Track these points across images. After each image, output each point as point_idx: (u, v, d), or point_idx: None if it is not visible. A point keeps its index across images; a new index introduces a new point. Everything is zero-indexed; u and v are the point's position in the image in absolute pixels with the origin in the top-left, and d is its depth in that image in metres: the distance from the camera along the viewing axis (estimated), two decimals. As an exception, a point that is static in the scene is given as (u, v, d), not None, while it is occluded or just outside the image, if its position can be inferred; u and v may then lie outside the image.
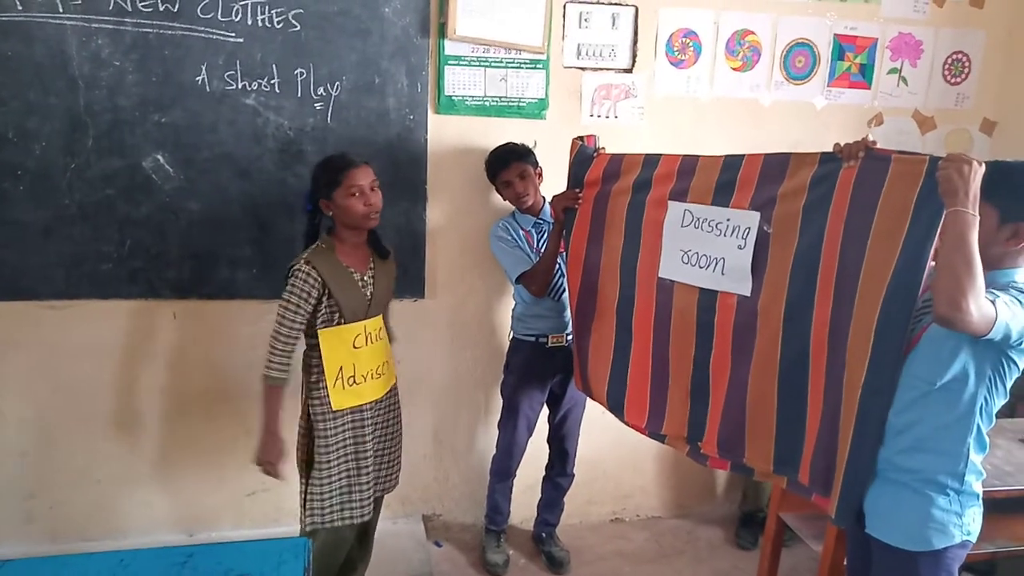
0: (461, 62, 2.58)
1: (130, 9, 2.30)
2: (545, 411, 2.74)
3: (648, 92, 2.74)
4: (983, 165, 1.37)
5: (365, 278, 2.09)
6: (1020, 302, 1.42)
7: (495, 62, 2.60)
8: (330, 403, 2.04)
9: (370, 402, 2.12)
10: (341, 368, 2.04)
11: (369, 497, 2.13)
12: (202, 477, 2.75)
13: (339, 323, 2.03)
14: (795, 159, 1.77)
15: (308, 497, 2.06)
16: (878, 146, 1.58)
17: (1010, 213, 1.46)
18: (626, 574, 2.79)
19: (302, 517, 2.09)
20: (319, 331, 2.02)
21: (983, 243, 1.45)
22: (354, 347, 2.06)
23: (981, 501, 1.57)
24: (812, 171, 1.71)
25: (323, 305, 2.00)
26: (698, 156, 2.01)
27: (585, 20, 2.64)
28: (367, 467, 2.11)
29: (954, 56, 2.93)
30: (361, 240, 2.11)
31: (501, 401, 2.74)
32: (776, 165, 1.80)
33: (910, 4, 2.84)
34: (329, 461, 2.05)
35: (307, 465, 2.08)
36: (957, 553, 1.56)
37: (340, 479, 2.08)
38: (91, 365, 2.58)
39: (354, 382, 2.07)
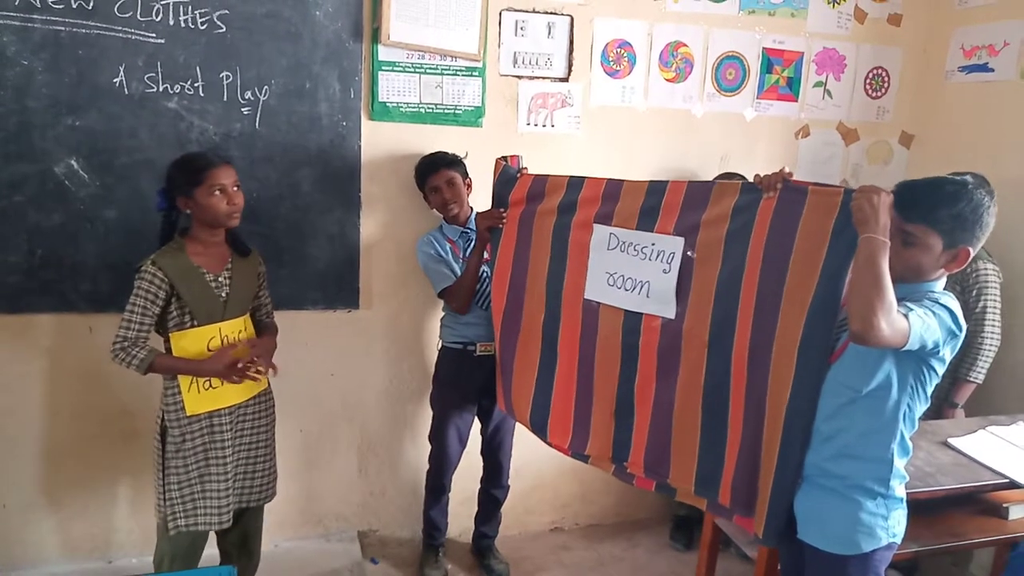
0: (395, 68, 2.53)
1: (39, 5, 2.16)
2: (478, 423, 2.71)
3: (584, 101, 2.75)
4: (891, 195, 1.45)
5: (220, 279, 2.03)
6: (934, 312, 1.47)
7: (430, 68, 2.57)
8: (184, 407, 1.99)
9: (229, 407, 2.06)
10: None
11: (227, 505, 2.07)
12: (120, 500, 2.62)
13: (191, 325, 1.98)
14: (717, 188, 1.83)
15: (165, 500, 2.02)
16: (795, 175, 1.66)
17: (952, 239, 1.51)
18: (566, 584, 2.79)
19: (162, 520, 2.05)
20: (170, 334, 1.98)
21: (927, 268, 1.53)
22: (208, 350, 2.01)
23: (905, 504, 1.62)
24: (734, 200, 1.77)
25: (172, 307, 1.96)
26: (623, 181, 2.04)
27: (521, 28, 2.63)
28: (222, 474, 2.06)
29: (874, 71, 3.05)
30: (218, 239, 2.06)
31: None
32: (699, 193, 1.86)
33: (833, 20, 2.95)
34: (182, 466, 2.02)
35: (163, 467, 2.04)
36: (884, 555, 1.60)
37: (192, 484, 2.03)
38: (-3, 383, 2.41)
39: (210, 386, 2.02)
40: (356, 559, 2.75)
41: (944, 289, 1.58)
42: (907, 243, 1.52)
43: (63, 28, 2.20)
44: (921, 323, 1.42)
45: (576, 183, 2.13)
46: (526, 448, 2.80)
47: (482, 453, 2.75)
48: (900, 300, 1.41)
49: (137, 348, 1.93)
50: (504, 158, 2.32)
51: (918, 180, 1.57)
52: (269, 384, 2.21)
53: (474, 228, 2.50)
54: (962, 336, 1.51)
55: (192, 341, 1.99)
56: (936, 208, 1.49)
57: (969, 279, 2.50)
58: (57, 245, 2.33)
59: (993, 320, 2.50)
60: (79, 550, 2.61)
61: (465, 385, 2.59)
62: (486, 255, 2.40)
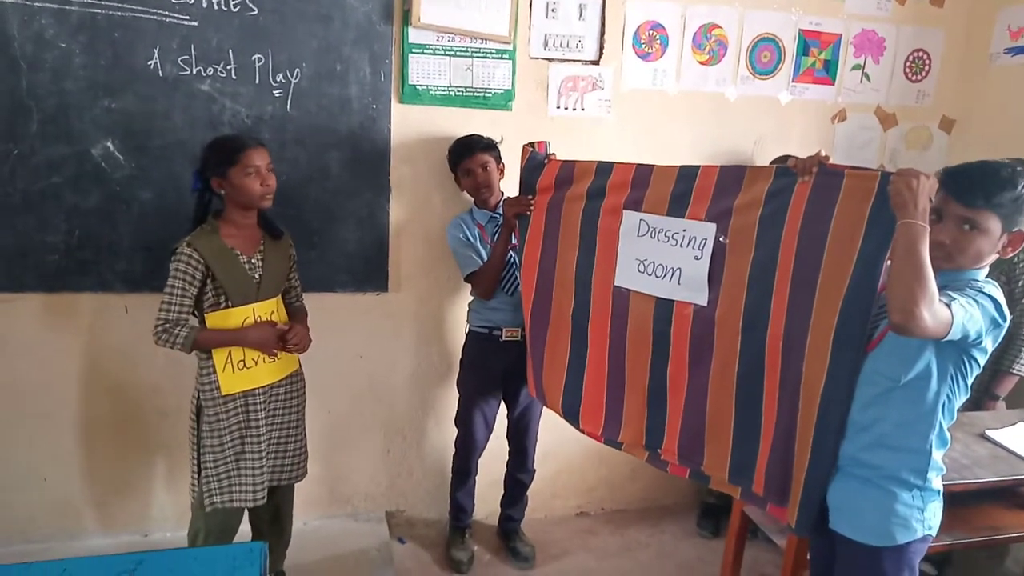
0: (426, 50, 2.52)
1: (76, -12, 2.19)
2: (504, 408, 2.71)
3: (615, 84, 2.71)
4: (931, 178, 1.41)
5: (253, 260, 2.06)
6: (977, 302, 1.44)
7: (460, 51, 2.55)
8: (219, 387, 2.02)
9: (263, 386, 2.10)
10: (230, 352, 2.03)
11: (262, 483, 2.11)
12: (156, 475, 2.68)
13: (226, 306, 2.01)
14: (750, 172, 1.80)
15: (201, 477, 2.07)
16: (830, 160, 1.63)
17: (1011, 222, 1.48)
18: (592, 568, 2.79)
19: (197, 497, 2.09)
20: (206, 315, 2.02)
21: (987, 252, 1.50)
22: (245, 328, 2.04)
23: (941, 496, 1.59)
24: (768, 184, 1.74)
25: (208, 288, 1.99)
26: (652, 166, 2.01)
27: (552, 10, 2.60)
28: (256, 452, 2.09)
29: (915, 54, 2.97)
30: (250, 221, 2.08)
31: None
32: (732, 177, 1.83)
33: (873, 1, 2.87)
34: (217, 444, 2.05)
35: (198, 445, 2.08)
36: (919, 547, 1.58)
37: (228, 462, 2.07)
38: (37, 360, 2.48)
39: (244, 365, 2.05)
40: (384, 539, 2.78)
41: (988, 278, 1.54)
42: (968, 228, 1.48)
43: (99, 11, 2.23)
44: (964, 312, 1.39)
45: (605, 168, 2.11)
46: (553, 432, 2.80)
47: (508, 437, 2.76)
48: (942, 289, 1.38)
49: (179, 328, 1.96)
50: (531, 144, 2.30)
51: (969, 165, 1.52)
52: (300, 366, 2.24)
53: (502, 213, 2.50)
54: (1005, 326, 1.47)
55: (227, 321, 2.02)
56: (998, 192, 1.45)
57: (1016, 269, 2.43)
58: (94, 226, 2.37)
59: (1039, 312, 2.44)
60: (116, 524, 2.68)
61: (490, 369, 2.60)
62: (513, 241, 2.39)
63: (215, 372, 2.03)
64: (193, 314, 2.04)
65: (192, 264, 1.96)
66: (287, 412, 2.19)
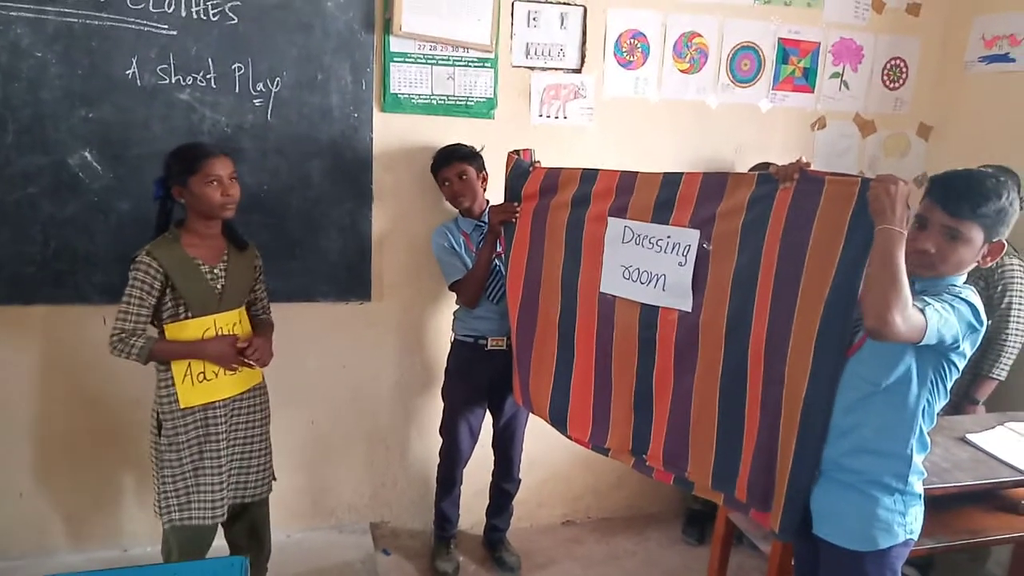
0: (407, 59, 2.52)
1: (52, -3, 2.17)
2: (490, 417, 2.70)
3: (597, 93, 2.72)
4: (908, 183, 1.43)
5: (216, 271, 2.02)
6: (953, 307, 1.46)
7: (442, 60, 2.55)
8: (178, 400, 1.98)
9: (224, 399, 2.06)
10: (189, 364, 1.99)
11: (221, 499, 2.06)
12: (134, 490, 2.63)
13: (186, 317, 1.97)
14: (733, 179, 1.81)
15: (160, 493, 2.02)
16: (812, 167, 1.64)
17: (992, 233, 1.50)
18: (577, 577, 2.78)
19: (158, 514, 2.04)
20: (164, 326, 1.98)
21: (968, 262, 1.52)
22: (203, 341, 2.00)
23: (923, 500, 1.60)
24: (750, 191, 1.75)
25: (167, 298, 1.95)
26: (636, 173, 2.02)
27: (534, 19, 2.61)
28: (215, 467, 2.04)
29: (892, 62, 3.01)
30: (214, 231, 2.04)
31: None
32: (714, 184, 1.84)
33: (851, 10, 2.90)
34: (176, 459, 2.01)
35: (158, 460, 2.03)
36: (901, 552, 1.58)
37: (186, 478, 2.02)
38: (13, 373, 2.43)
39: (204, 378, 2.01)
40: (368, 550, 2.76)
41: (966, 283, 1.56)
42: (952, 238, 1.50)
43: (76, 20, 2.20)
44: (938, 317, 1.40)
45: (590, 176, 2.12)
46: (539, 441, 2.79)
47: (493, 446, 2.75)
48: (920, 294, 1.39)
49: (135, 338, 1.92)
50: (516, 151, 2.30)
51: (956, 173, 1.54)
52: (263, 379, 2.20)
53: (488, 221, 2.50)
54: (983, 330, 1.49)
55: (187, 332, 1.98)
56: (984, 203, 1.47)
57: (994, 275, 2.46)
58: (71, 236, 2.34)
59: (1018, 317, 2.47)
60: (94, 539, 2.63)
61: (475, 378, 2.59)
62: (499, 249, 2.39)
63: (174, 384, 1.98)
64: (154, 323, 2.00)
65: (151, 273, 1.92)
66: (249, 427, 2.14)
